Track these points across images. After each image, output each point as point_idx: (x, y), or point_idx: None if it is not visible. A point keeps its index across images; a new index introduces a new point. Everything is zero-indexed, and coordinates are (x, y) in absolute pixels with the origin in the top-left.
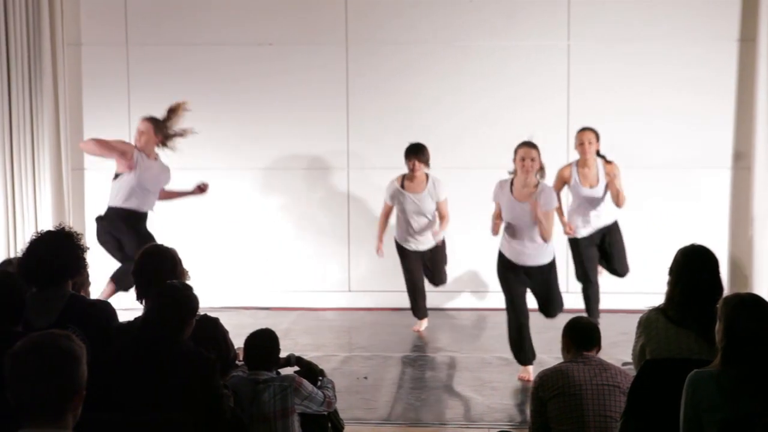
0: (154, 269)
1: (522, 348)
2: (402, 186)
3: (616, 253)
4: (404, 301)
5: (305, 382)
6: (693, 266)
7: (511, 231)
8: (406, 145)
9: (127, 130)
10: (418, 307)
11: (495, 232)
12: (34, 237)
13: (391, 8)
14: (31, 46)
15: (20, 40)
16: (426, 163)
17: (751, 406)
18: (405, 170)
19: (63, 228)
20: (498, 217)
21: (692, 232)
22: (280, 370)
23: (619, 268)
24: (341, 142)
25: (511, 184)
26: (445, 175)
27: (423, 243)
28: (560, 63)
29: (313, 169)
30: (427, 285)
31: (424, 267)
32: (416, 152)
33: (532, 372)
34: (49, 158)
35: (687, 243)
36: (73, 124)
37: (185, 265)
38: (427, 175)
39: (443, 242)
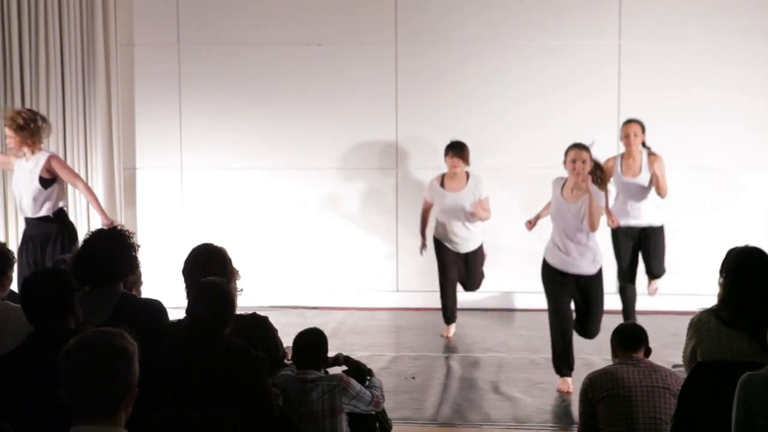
0: (203, 268)
1: (564, 356)
2: (442, 185)
3: (655, 252)
4: (457, 298)
5: (353, 382)
6: (747, 268)
7: (557, 233)
8: (437, 142)
9: (177, 130)
10: (448, 309)
11: (530, 226)
12: (87, 236)
13: (440, 8)
14: (84, 46)
15: (74, 40)
16: (466, 160)
17: None
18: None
19: (116, 227)
20: (542, 213)
21: (739, 232)
22: (328, 370)
23: (654, 269)
24: (390, 141)
25: (563, 184)
26: (493, 175)
27: (462, 245)
28: (611, 63)
29: (362, 168)
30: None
31: (459, 271)
32: (455, 149)
33: (570, 383)
34: (102, 158)
35: (738, 244)
36: (126, 124)
37: (235, 264)
38: (467, 174)
39: (481, 248)
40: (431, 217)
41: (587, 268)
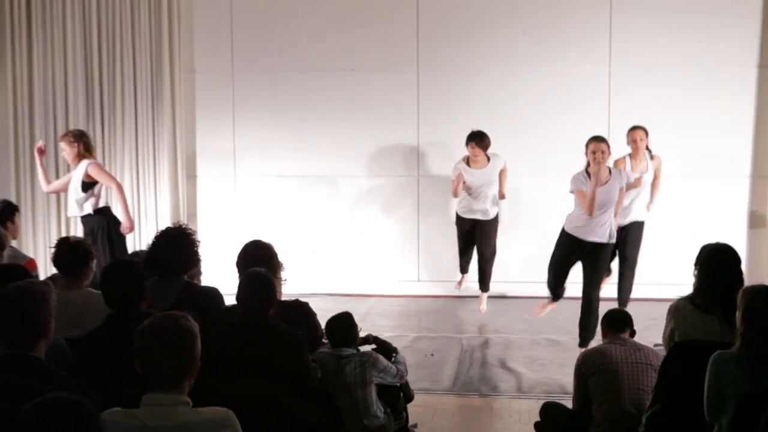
0: (253, 261)
1: (556, 284)
2: (468, 164)
3: (632, 241)
4: (466, 290)
5: (381, 358)
6: (719, 261)
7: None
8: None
9: (231, 144)
10: (465, 263)
11: (591, 212)
12: (157, 234)
13: (455, 40)
14: (154, 74)
15: (146, 69)
16: (485, 149)
17: (765, 383)
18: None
19: (180, 226)
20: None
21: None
22: (359, 347)
23: (629, 253)
24: (412, 151)
25: (587, 175)
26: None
27: (481, 213)
28: (602, 87)
29: (388, 175)
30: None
31: (475, 240)
32: (475, 138)
33: (547, 310)
34: (168, 168)
35: (711, 241)
36: (188, 139)
37: (280, 257)
38: (487, 156)
39: (496, 216)
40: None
41: (607, 238)
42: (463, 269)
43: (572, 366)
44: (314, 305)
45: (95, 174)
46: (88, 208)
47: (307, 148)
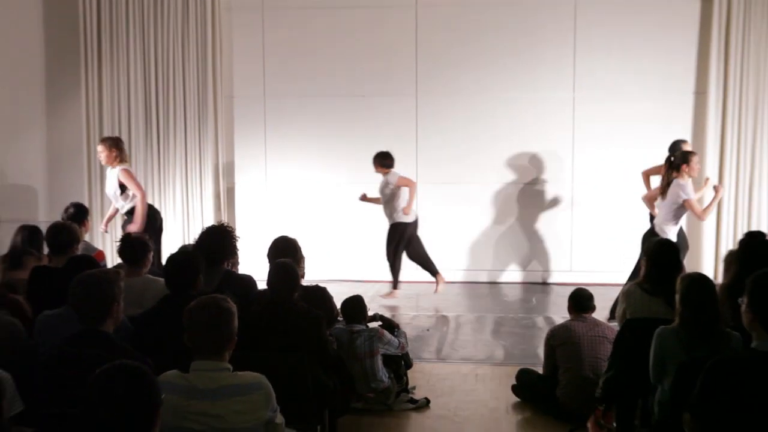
0: (280, 253)
1: None
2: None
3: None
4: (460, 274)
5: (386, 333)
6: (663, 252)
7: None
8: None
9: (263, 157)
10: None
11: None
12: (202, 230)
13: (448, 71)
14: (200, 98)
15: (193, 94)
16: (383, 166)
17: (699, 353)
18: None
19: (222, 224)
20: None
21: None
22: (368, 324)
23: None
24: (413, 162)
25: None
26: (484, 188)
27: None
28: (567, 109)
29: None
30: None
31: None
32: (375, 158)
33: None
34: (211, 177)
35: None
36: (227, 153)
37: (303, 251)
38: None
39: (393, 225)
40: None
41: None
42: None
43: (543, 339)
44: (331, 289)
45: (124, 179)
46: (126, 207)
47: (325, 161)
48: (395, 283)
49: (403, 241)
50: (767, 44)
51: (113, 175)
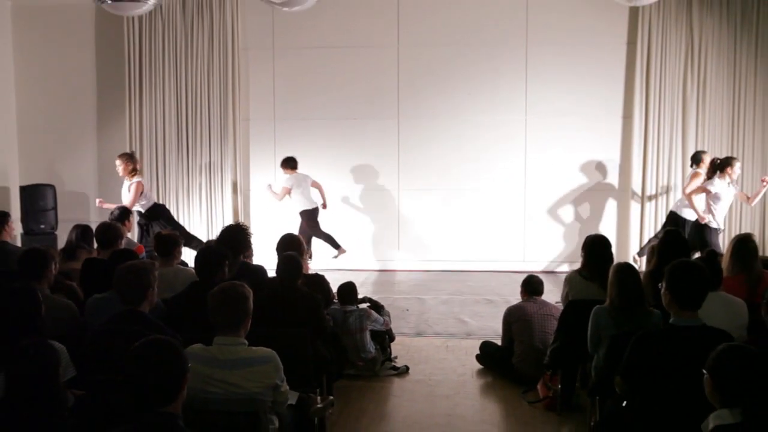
0: (287, 247)
1: None
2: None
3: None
4: (433, 264)
5: (373, 312)
6: (597, 245)
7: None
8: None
9: (273, 169)
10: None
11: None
12: (223, 228)
13: (424, 96)
14: (222, 120)
15: (216, 117)
16: (287, 168)
17: (627, 327)
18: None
19: (239, 223)
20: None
21: (594, 228)
22: (359, 305)
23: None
24: (395, 173)
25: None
26: (453, 191)
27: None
28: (520, 131)
29: (381, 189)
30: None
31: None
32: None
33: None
34: (230, 184)
35: (591, 233)
36: (244, 165)
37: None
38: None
39: (304, 212)
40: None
41: None
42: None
43: (501, 318)
44: (328, 277)
45: (133, 189)
46: (138, 208)
47: (324, 171)
48: (337, 246)
49: (315, 219)
50: (679, 79)
51: (126, 187)
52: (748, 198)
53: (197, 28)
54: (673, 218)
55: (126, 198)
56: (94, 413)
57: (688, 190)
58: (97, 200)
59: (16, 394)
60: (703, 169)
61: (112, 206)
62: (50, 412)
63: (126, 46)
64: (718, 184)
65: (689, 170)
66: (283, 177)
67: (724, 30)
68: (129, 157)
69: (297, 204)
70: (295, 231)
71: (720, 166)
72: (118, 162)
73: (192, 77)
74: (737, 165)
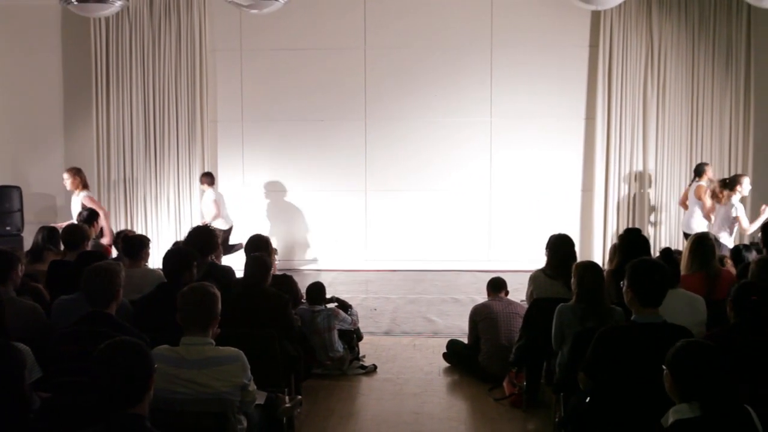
0: (255, 248)
1: None
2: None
3: None
4: (400, 263)
5: (341, 312)
6: (561, 244)
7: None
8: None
9: (241, 169)
10: None
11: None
12: (190, 230)
13: (391, 96)
14: (189, 122)
15: (184, 119)
16: (209, 182)
17: (591, 324)
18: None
19: (206, 225)
20: None
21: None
22: (327, 305)
23: None
24: (362, 174)
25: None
26: (420, 193)
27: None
28: (485, 132)
29: (348, 191)
30: None
31: None
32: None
33: None
34: (198, 189)
35: (555, 232)
36: (212, 166)
37: (275, 245)
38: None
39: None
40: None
41: None
42: None
43: (467, 316)
44: (296, 277)
45: (88, 203)
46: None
47: (292, 171)
48: None
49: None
50: (639, 81)
51: (78, 200)
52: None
53: (164, 29)
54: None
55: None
56: (60, 415)
57: (708, 214)
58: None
59: None
60: (705, 181)
61: (105, 242)
62: (16, 414)
63: (93, 48)
64: (737, 203)
65: (693, 184)
66: (208, 194)
67: (683, 34)
68: (77, 171)
69: (215, 223)
70: (263, 232)
71: (730, 185)
72: (66, 176)
73: (160, 79)
74: (746, 180)
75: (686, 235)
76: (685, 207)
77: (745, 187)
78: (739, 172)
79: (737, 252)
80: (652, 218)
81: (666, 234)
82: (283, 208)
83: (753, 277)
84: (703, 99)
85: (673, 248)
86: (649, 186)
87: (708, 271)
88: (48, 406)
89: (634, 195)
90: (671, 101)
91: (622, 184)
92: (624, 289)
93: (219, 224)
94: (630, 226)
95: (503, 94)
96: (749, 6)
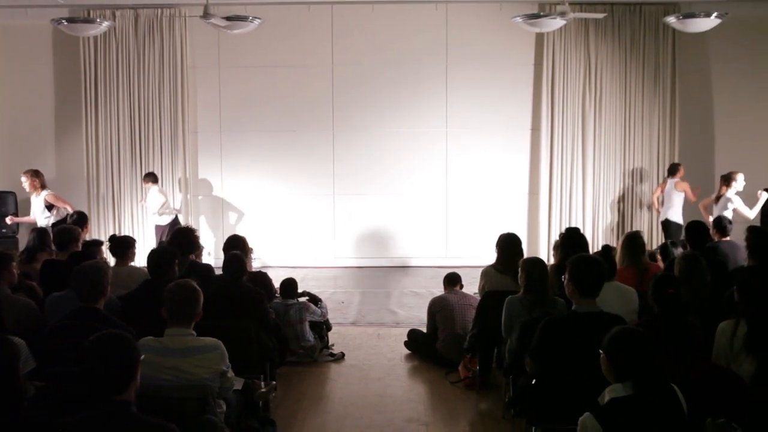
0: (232, 247)
1: None
2: None
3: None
4: (366, 261)
5: (311, 305)
6: (509, 242)
7: None
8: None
9: (219, 176)
10: None
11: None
12: (174, 231)
13: (357, 109)
14: (172, 132)
15: (167, 129)
16: (154, 181)
17: (536, 314)
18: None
19: (188, 226)
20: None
21: (504, 225)
22: (299, 299)
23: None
24: (330, 179)
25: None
26: (383, 196)
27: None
28: (441, 141)
29: (317, 195)
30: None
31: None
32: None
33: None
34: (182, 191)
35: (504, 231)
36: (193, 174)
37: (251, 244)
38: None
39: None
40: None
41: None
42: None
43: (426, 308)
44: (271, 274)
45: (53, 200)
46: (52, 220)
47: (267, 177)
48: None
49: None
50: (578, 96)
51: (39, 200)
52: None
53: (149, 47)
54: (666, 225)
55: (42, 212)
56: (53, 402)
57: (697, 203)
58: (8, 218)
59: None
60: (680, 178)
61: (24, 220)
62: (11, 402)
63: (82, 64)
64: (734, 196)
65: (669, 180)
66: (153, 190)
67: (616, 53)
68: (35, 173)
69: (160, 218)
70: (240, 232)
71: (726, 181)
72: (23, 178)
73: (144, 93)
74: (740, 176)
75: (666, 224)
76: (658, 203)
77: (740, 182)
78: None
79: (665, 248)
80: (590, 217)
81: (603, 231)
82: (258, 211)
83: (678, 272)
84: (634, 111)
85: (610, 244)
86: (588, 189)
87: (639, 265)
88: (41, 395)
89: (575, 197)
90: (606, 113)
91: (564, 188)
92: (565, 282)
93: (163, 220)
94: (570, 225)
95: (457, 106)
96: (674, 30)
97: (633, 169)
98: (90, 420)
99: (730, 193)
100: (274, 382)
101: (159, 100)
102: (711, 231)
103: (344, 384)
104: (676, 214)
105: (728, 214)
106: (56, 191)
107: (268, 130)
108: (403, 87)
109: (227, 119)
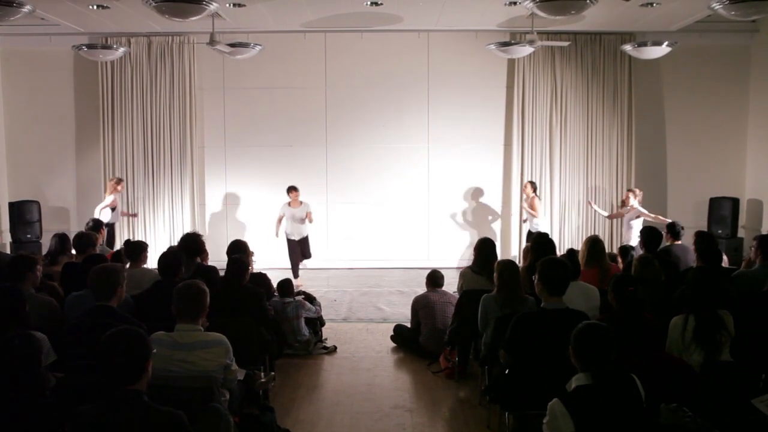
0: (235, 251)
1: None
2: (289, 205)
3: None
4: (357, 263)
5: (307, 303)
6: (485, 246)
7: None
8: (347, 191)
9: (223, 186)
10: (295, 269)
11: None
12: (182, 236)
13: (347, 125)
14: (181, 148)
15: (176, 145)
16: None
17: (509, 310)
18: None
19: (195, 232)
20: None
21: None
22: (295, 297)
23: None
24: (324, 191)
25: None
26: (371, 205)
27: (298, 235)
28: (424, 156)
29: (313, 204)
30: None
31: (298, 250)
32: (295, 189)
33: None
34: (189, 201)
35: (480, 236)
36: (199, 184)
37: (252, 248)
38: (301, 201)
39: (307, 236)
40: (282, 223)
41: None
42: (296, 274)
43: (410, 305)
44: (270, 275)
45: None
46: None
47: (267, 187)
48: None
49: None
50: (546, 116)
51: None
52: (610, 215)
53: (160, 71)
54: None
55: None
56: (72, 392)
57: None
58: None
59: (4, 376)
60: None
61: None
62: (34, 392)
63: (100, 85)
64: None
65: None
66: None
67: (580, 78)
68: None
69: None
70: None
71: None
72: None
73: (156, 112)
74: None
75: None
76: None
77: (639, 195)
78: (626, 187)
79: (624, 250)
80: (557, 223)
81: (568, 236)
82: (258, 218)
83: (635, 272)
84: (595, 130)
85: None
86: (555, 197)
87: (600, 266)
88: (61, 385)
89: (543, 205)
90: (571, 131)
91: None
92: (535, 281)
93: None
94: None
95: (438, 124)
96: (630, 57)
97: (595, 180)
98: (105, 408)
99: (635, 202)
100: (273, 373)
101: (169, 119)
102: (665, 236)
103: (336, 374)
104: (634, 239)
105: (639, 221)
106: (76, 199)
107: (268, 146)
108: (389, 106)
109: (231, 136)
